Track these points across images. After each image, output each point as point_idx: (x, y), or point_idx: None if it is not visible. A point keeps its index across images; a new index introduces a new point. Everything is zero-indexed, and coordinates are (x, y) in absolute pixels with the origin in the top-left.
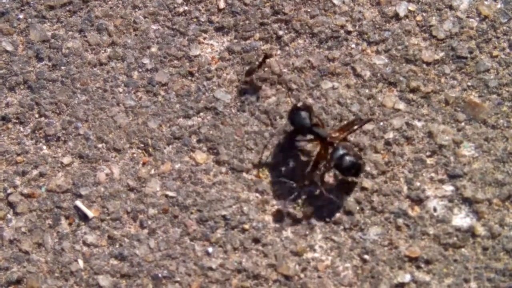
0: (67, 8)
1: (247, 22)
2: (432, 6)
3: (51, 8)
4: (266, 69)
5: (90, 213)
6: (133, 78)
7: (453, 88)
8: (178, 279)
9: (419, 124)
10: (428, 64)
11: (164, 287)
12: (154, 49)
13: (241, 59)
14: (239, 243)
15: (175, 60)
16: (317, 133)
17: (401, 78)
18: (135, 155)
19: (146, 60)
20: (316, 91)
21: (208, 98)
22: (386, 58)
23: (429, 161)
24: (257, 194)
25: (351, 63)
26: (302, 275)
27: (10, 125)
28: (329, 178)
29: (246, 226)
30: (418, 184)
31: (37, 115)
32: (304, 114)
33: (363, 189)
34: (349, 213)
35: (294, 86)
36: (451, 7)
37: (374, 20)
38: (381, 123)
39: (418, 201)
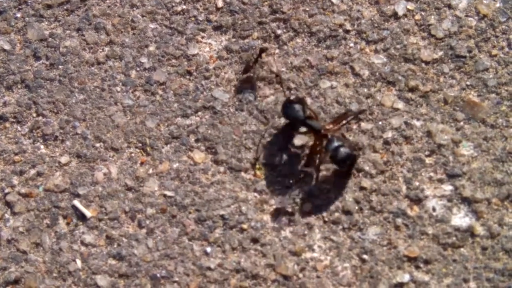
0: (65, 7)
1: (245, 21)
2: (431, 5)
3: (49, 7)
4: (263, 64)
5: (88, 213)
6: (131, 77)
7: (452, 87)
8: (177, 279)
9: (418, 123)
10: (427, 63)
11: (163, 287)
12: (152, 48)
13: (239, 58)
14: (237, 243)
15: (173, 59)
16: (310, 126)
17: (400, 77)
18: (133, 154)
19: (144, 59)
20: (314, 90)
21: (206, 97)
22: (384, 57)
23: (428, 160)
24: (256, 194)
25: (350, 62)
26: (300, 275)
27: (7, 124)
28: (325, 170)
29: (245, 226)
30: (417, 183)
31: (34, 114)
32: (297, 106)
33: (362, 188)
34: (348, 212)
35: (292, 85)
36: (450, 6)
37: (372, 19)
38: (380, 123)
39: (417, 200)
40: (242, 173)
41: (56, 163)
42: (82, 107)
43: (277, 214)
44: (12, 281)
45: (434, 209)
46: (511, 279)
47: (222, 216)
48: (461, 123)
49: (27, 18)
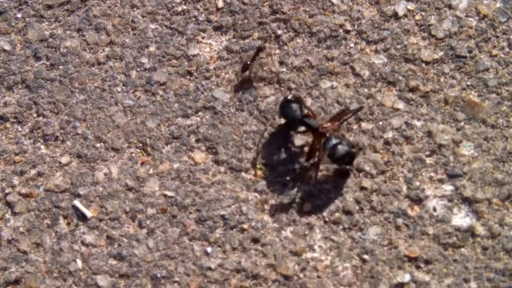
0: (65, 7)
1: (245, 21)
2: (431, 5)
3: (49, 7)
4: (261, 63)
5: (88, 213)
6: (131, 78)
7: (452, 88)
8: (177, 279)
9: (418, 123)
10: (427, 63)
11: (163, 287)
12: (152, 49)
13: (240, 58)
14: (238, 243)
15: (174, 59)
16: (308, 124)
17: (400, 78)
18: (133, 154)
19: (144, 60)
20: (315, 91)
21: (207, 98)
22: (385, 58)
23: (428, 160)
24: (256, 194)
25: (350, 63)
26: (301, 275)
27: (8, 125)
28: (324, 169)
29: (245, 226)
30: (417, 183)
31: (35, 115)
32: (294, 106)
33: (362, 188)
34: (348, 212)
35: (293, 86)
36: (450, 6)
37: (373, 19)
38: (380, 123)
39: (418, 200)
40: (243, 173)
41: (56, 163)
42: (82, 107)
43: (277, 214)
44: (12, 281)
45: (434, 209)
46: None
47: (222, 216)
48: (462, 123)
49: (27, 19)
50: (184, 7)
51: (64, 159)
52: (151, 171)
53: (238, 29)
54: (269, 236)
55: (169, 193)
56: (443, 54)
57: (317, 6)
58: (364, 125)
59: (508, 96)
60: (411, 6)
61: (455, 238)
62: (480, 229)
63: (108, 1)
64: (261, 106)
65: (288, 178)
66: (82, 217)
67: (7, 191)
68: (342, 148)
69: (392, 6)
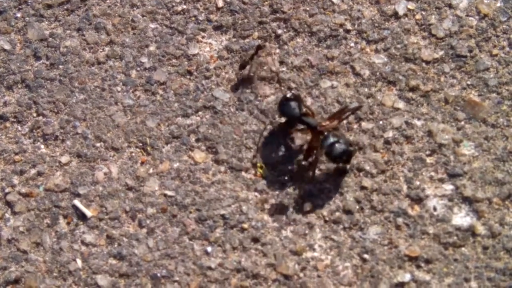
0: (65, 7)
1: (245, 20)
2: (432, 5)
3: (49, 6)
4: (260, 62)
5: (88, 213)
6: (131, 77)
7: (452, 87)
8: (177, 278)
9: (418, 123)
10: (427, 62)
11: (163, 287)
12: (152, 48)
13: (240, 58)
14: (238, 242)
15: (174, 59)
16: (307, 123)
17: (401, 77)
18: (133, 154)
19: (144, 59)
20: (315, 90)
21: (207, 97)
22: (385, 57)
23: (428, 160)
24: (256, 193)
25: (350, 62)
26: (301, 275)
27: (8, 124)
28: (325, 170)
29: (245, 226)
30: (418, 183)
31: (35, 114)
32: (293, 104)
33: (363, 188)
34: (348, 212)
35: (293, 85)
36: (450, 6)
37: (373, 18)
38: (381, 122)
39: (418, 200)
40: (243, 173)
41: (56, 163)
42: (82, 107)
43: (277, 213)
44: (12, 281)
45: (435, 209)
46: None
47: (222, 216)
48: (462, 122)
49: (27, 18)
50: (184, 6)
51: (64, 159)
52: (151, 171)
53: (238, 28)
54: (269, 235)
55: (169, 193)
56: (443, 53)
57: (317, 6)
58: (364, 124)
59: (509, 96)
60: (411, 5)
61: (455, 238)
62: (481, 229)
63: (108, 1)
64: (261, 106)
65: (288, 177)
66: (82, 217)
67: (7, 190)
68: (339, 147)
69: (392, 5)
